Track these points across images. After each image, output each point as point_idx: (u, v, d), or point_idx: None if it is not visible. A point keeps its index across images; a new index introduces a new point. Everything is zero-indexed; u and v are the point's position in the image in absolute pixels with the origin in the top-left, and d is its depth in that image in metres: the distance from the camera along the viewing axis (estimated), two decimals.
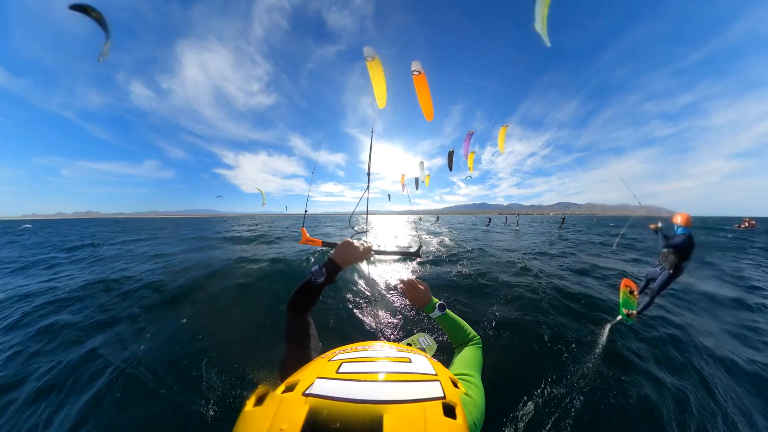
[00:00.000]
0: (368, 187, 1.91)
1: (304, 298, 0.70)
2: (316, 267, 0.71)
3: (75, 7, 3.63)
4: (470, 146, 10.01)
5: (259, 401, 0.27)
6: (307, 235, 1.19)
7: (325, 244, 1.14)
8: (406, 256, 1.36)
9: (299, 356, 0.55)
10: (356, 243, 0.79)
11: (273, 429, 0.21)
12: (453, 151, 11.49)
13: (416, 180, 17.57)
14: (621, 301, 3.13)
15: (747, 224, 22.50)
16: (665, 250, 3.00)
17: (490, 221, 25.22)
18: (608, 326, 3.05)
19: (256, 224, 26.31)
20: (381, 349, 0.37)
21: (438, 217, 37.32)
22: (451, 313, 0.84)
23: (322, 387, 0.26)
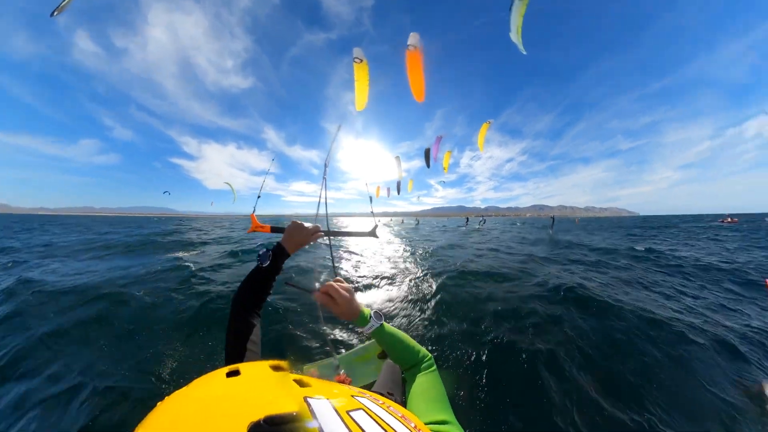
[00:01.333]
0: (325, 184, 1.65)
1: (251, 289, 0.67)
2: (264, 250, 0.69)
3: None
4: (441, 149, 10.20)
5: (275, 368, 0.30)
6: (257, 221, 1.07)
7: (273, 229, 1.00)
8: (360, 235, 0.78)
9: (235, 360, 0.52)
10: (305, 224, 0.79)
11: (277, 401, 0.21)
12: (429, 149, 11.43)
13: (398, 184, 17.29)
14: None
15: (730, 220, 25.78)
16: None
17: (467, 221, 27.24)
18: None
19: (216, 226, 21.62)
20: (411, 428, 0.28)
21: (418, 221, 36.57)
22: (391, 327, 0.70)
23: (322, 411, 0.23)
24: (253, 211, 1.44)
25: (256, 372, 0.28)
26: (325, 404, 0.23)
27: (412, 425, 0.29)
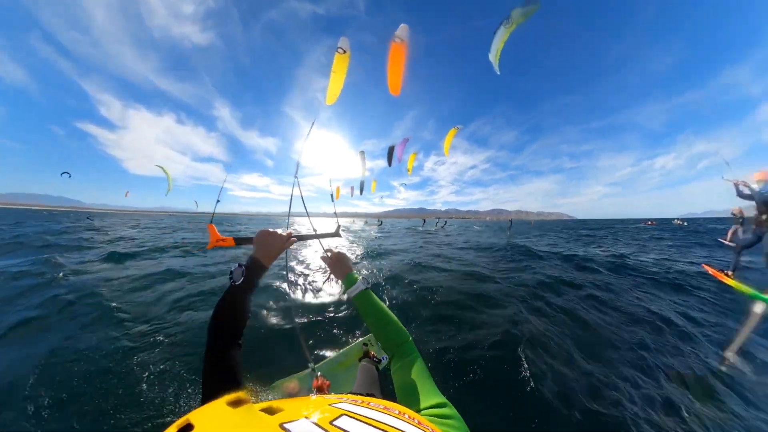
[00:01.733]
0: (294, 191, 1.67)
1: (228, 314, 0.58)
2: (236, 266, 0.64)
3: None
4: (407, 151, 10.33)
5: (234, 404, 0.25)
6: (217, 233, 0.92)
7: (237, 241, 0.88)
8: (326, 236, 1.08)
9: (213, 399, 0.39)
10: (276, 231, 0.74)
11: None
12: (394, 147, 10.92)
13: (361, 183, 16.68)
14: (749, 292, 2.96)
15: (650, 223, 32.44)
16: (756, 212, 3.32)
17: (424, 222, 28.44)
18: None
19: (132, 228, 15.44)
20: (396, 415, 0.29)
21: (381, 221, 36.62)
22: (376, 297, 0.71)
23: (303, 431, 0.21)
24: (211, 221, 1.26)
25: (213, 418, 0.23)
26: (304, 424, 0.21)
27: (396, 412, 0.29)
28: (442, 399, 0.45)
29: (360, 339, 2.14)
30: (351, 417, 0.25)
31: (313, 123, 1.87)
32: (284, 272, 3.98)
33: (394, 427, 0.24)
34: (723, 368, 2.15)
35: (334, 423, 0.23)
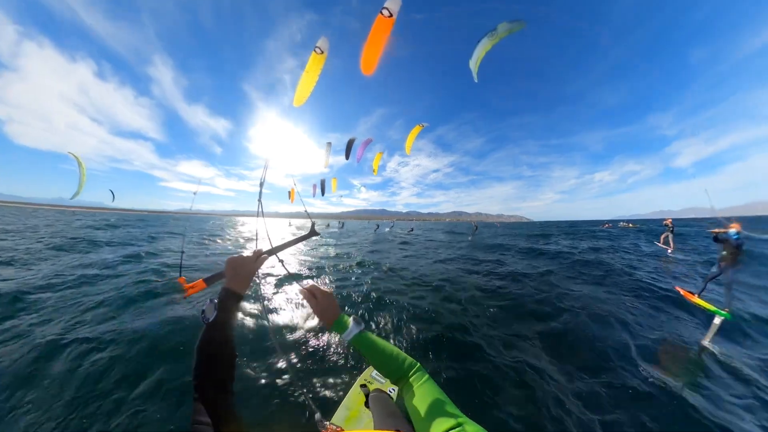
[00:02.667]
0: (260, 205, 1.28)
1: (211, 359, 0.51)
2: (207, 303, 0.57)
3: None
4: (371, 149, 9.81)
5: None
6: (187, 283, 0.96)
7: (207, 280, 0.91)
8: (303, 239, 1.00)
9: None
10: (243, 254, 0.70)
11: None
12: (353, 140, 10.13)
13: (322, 182, 15.45)
14: (711, 309, 3.55)
15: (608, 225, 31.67)
16: (724, 252, 3.82)
17: (378, 227, 26.69)
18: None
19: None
20: None
21: (342, 223, 34.03)
22: (373, 335, 0.66)
23: None
24: (180, 274, 1.23)
25: None
26: None
27: None
28: (460, 418, 0.43)
29: (356, 380, 1.92)
30: None
31: (267, 160, 1.46)
32: (257, 301, 3.55)
33: None
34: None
35: None
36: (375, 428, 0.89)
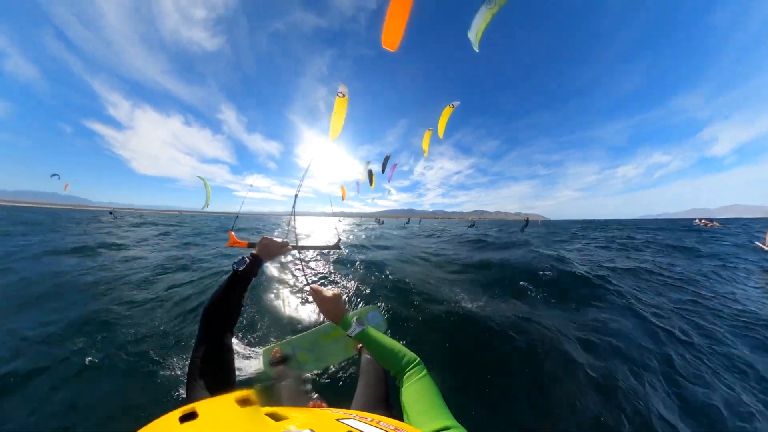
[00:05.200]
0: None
1: (225, 299, 0.61)
2: (240, 257, 0.70)
3: None
4: (396, 161, 11.15)
5: (242, 402, 0.23)
6: (235, 237, 1.14)
7: (250, 245, 1.13)
8: (325, 249, 1.36)
9: (201, 392, 0.40)
10: (274, 239, 0.82)
11: None
12: (389, 157, 11.41)
13: (370, 172, 14.90)
14: None
15: (706, 223, 23.41)
16: None
17: (408, 221, 31.02)
18: None
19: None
20: None
21: (381, 221, 35.54)
22: (375, 330, 0.68)
23: None
24: (231, 229, 1.46)
25: (219, 412, 0.21)
26: None
27: None
28: (450, 421, 0.41)
29: (353, 311, 1.79)
30: None
31: (311, 160, 1.82)
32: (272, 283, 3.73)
33: None
34: None
35: None
36: (359, 388, 0.94)
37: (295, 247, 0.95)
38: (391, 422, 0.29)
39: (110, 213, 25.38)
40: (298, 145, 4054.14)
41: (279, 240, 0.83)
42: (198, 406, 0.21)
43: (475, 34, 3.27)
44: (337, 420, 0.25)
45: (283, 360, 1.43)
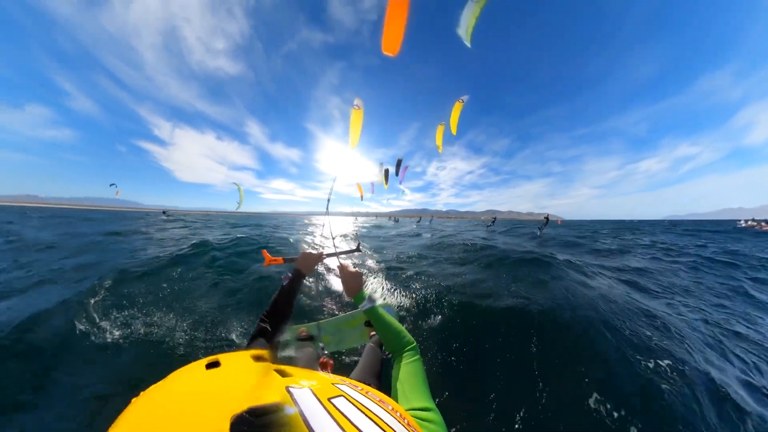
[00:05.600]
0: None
1: (278, 305, 0.75)
2: (286, 273, 0.84)
3: None
4: (405, 172, 11.48)
5: (256, 358, 0.28)
6: (269, 255, 1.16)
7: (286, 260, 1.16)
8: (350, 252, 1.43)
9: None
10: (312, 252, 0.96)
11: (259, 392, 0.21)
12: (401, 160, 12.10)
13: (386, 171, 14.81)
14: None
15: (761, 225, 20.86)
16: None
17: (420, 219, 31.08)
18: None
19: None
20: (389, 410, 0.29)
21: (397, 219, 37.51)
22: (382, 310, 0.75)
23: (304, 400, 0.22)
24: (264, 248, 1.50)
25: (237, 363, 0.26)
26: (306, 393, 0.23)
27: (390, 408, 0.29)
28: (430, 404, 0.46)
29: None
30: (348, 400, 0.25)
31: (335, 178, 2.11)
32: (316, 280, 4.01)
33: (384, 422, 0.25)
34: None
35: (332, 401, 0.23)
36: (356, 373, 1.04)
37: (327, 255, 1.10)
38: (378, 394, 0.32)
39: (163, 212, 26.97)
40: (317, 151, 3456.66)
41: (315, 252, 0.96)
42: (221, 357, 0.26)
43: (465, 30, 3.25)
44: (332, 384, 0.28)
45: (308, 338, 1.67)
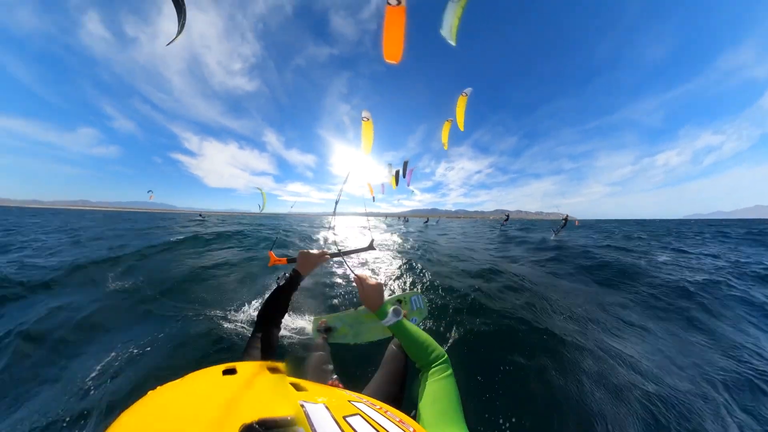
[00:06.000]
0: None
1: (272, 306, 0.73)
2: (283, 274, 0.80)
3: None
4: (411, 174, 11.82)
5: (272, 370, 0.28)
6: (275, 256, 1.20)
7: (289, 260, 1.16)
8: (360, 251, 1.33)
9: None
10: (311, 251, 0.89)
11: (272, 404, 0.20)
12: (407, 163, 12.47)
13: (398, 172, 14.99)
14: None
15: None
16: None
17: (427, 220, 30.37)
18: None
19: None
20: (407, 429, 0.26)
21: (407, 219, 37.05)
22: (409, 322, 0.68)
23: (317, 416, 0.21)
24: (271, 249, 1.46)
25: (253, 372, 0.26)
26: (321, 409, 0.22)
27: (411, 430, 0.26)
28: (459, 430, 0.39)
29: (395, 295, 1.81)
30: (365, 419, 0.24)
31: (348, 174, 1.87)
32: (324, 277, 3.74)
33: None
34: None
35: (348, 419, 0.22)
36: (378, 373, 0.94)
37: (332, 255, 0.99)
38: (398, 414, 0.30)
39: (200, 215, 29.40)
40: (330, 156, 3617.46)
41: (316, 252, 0.89)
42: (238, 365, 0.27)
43: (448, 30, 3.11)
44: (349, 401, 0.27)
45: (327, 330, 1.61)
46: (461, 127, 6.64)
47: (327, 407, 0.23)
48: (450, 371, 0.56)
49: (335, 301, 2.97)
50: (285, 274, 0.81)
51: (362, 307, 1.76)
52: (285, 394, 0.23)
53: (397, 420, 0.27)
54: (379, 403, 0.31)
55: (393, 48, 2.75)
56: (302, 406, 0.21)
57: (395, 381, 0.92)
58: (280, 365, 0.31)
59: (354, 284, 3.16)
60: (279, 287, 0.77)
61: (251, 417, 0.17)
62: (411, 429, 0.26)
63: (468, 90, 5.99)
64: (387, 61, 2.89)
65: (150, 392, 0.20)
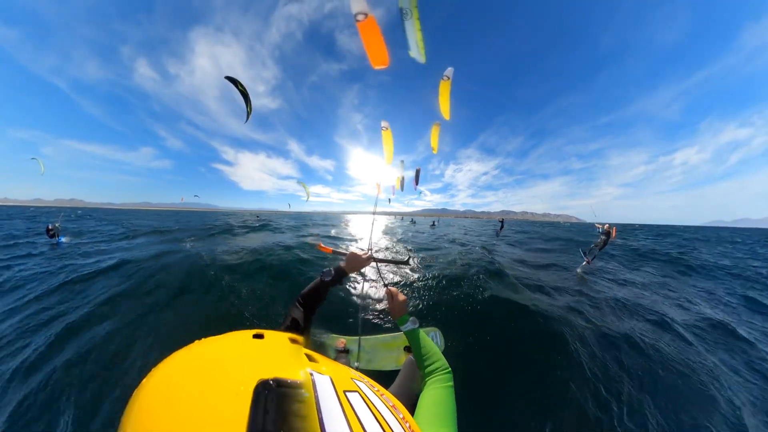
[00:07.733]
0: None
1: (314, 294, 0.76)
2: (328, 269, 0.82)
3: (228, 78, 4.04)
4: (420, 170, 12.59)
5: (292, 341, 0.32)
6: (322, 245, 1.33)
7: (335, 252, 1.22)
8: (398, 263, 1.60)
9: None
10: (359, 253, 0.91)
11: (288, 368, 0.23)
12: (420, 169, 12.81)
13: (417, 173, 14.80)
14: None
15: None
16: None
17: (434, 223, 26.08)
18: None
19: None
20: (399, 419, 0.27)
21: (413, 220, 35.64)
22: (423, 333, 0.74)
23: (322, 386, 0.23)
24: (319, 241, 1.46)
25: (277, 340, 0.30)
26: (326, 380, 0.24)
27: (401, 416, 0.28)
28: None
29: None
30: (362, 397, 0.26)
31: (378, 184, 2.65)
32: (365, 280, 3.88)
33: (391, 428, 0.24)
34: None
35: (347, 394, 0.24)
36: (395, 385, 0.92)
37: (376, 261, 1.02)
38: (392, 398, 0.31)
39: (257, 217, 30.57)
40: (347, 161, 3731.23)
41: (363, 256, 0.91)
42: (265, 332, 0.31)
43: (416, 49, 2.94)
44: (351, 378, 0.29)
45: (344, 351, 1.60)
46: (446, 116, 5.44)
47: (331, 380, 0.25)
48: (451, 384, 0.57)
49: (350, 320, 2.66)
50: (330, 269, 0.82)
51: (381, 335, 1.84)
52: (299, 362, 0.26)
53: (390, 404, 0.29)
54: (377, 386, 0.33)
55: (377, 55, 2.80)
56: (311, 374, 0.24)
57: (412, 379, 0.93)
58: (299, 338, 0.37)
59: (372, 296, 3.38)
60: (321, 280, 0.80)
61: (268, 375, 0.20)
62: (401, 415, 0.29)
63: (449, 71, 4.59)
64: (376, 67, 2.93)
65: (196, 341, 0.25)
